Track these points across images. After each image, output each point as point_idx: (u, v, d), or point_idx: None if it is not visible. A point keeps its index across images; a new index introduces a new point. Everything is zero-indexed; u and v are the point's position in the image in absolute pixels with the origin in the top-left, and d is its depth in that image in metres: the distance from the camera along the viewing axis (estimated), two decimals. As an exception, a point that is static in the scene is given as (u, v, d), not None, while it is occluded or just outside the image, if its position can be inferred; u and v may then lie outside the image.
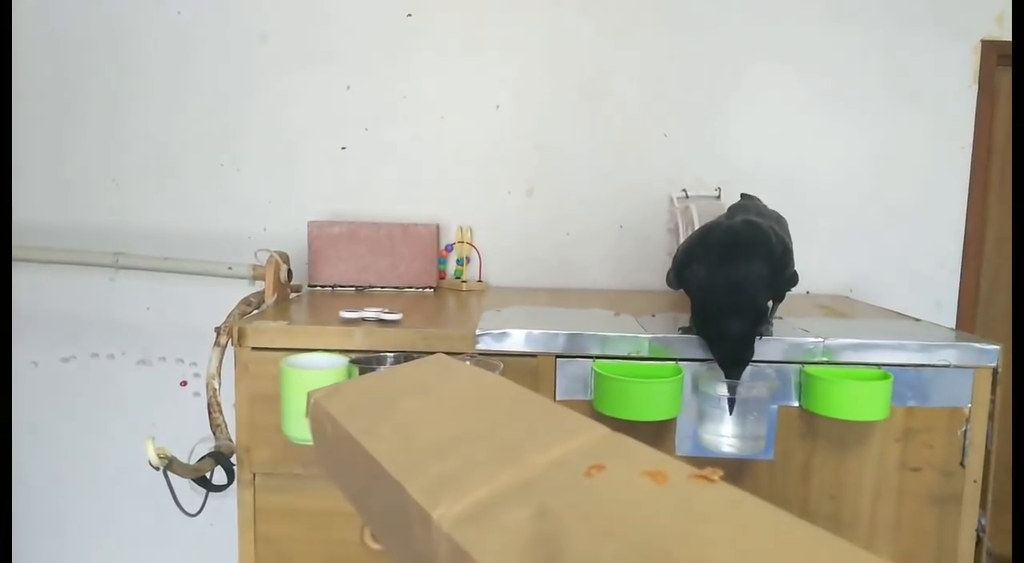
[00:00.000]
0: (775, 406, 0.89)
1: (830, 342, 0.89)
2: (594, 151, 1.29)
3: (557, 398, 0.88)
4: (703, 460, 0.36)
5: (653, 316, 1.03)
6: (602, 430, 0.44)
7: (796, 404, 0.89)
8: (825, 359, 0.89)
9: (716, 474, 0.38)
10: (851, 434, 0.90)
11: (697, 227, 1.13)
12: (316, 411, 0.50)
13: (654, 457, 0.41)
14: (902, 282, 1.29)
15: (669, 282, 0.93)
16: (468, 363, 0.62)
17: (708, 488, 0.38)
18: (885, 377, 0.86)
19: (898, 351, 0.89)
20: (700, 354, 0.89)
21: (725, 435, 0.90)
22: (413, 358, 0.85)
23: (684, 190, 1.20)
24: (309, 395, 0.50)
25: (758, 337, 0.87)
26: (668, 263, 1.26)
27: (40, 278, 1.31)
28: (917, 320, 1.05)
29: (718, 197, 1.18)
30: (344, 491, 0.49)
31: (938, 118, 1.27)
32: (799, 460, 0.91)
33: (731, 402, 0.86)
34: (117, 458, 1.28)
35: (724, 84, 1.27)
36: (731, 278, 0.82)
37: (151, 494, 0.84)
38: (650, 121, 1.28)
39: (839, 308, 1.15)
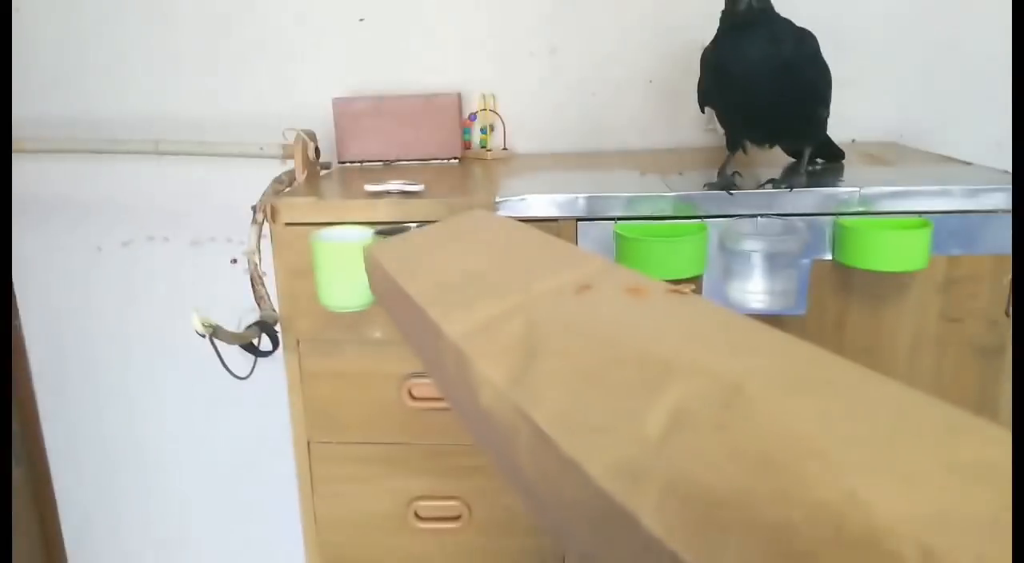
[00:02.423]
0: (807, 260, 0.87)
1: (867, 191, 0.84)
2: (618, 4, 1.20)
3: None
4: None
5: (680, 174, 0.99)
6: (601, 261, 0.50)
7: (830, 257, 0.86)
8: (862, 209, 0.84)
9: (688, 288, 0.43)
10: (888, 286, 0.87)
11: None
12: (369, 259, 0.60)
13: (639, 279, 0.46)
14: (959, 124, 1.19)
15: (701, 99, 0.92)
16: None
17: (679, 299, 0.42)
18: (925, 225, 0.82)
19: (941, 197, 0.83)
20: (727, 210, 0.86)
21: (753, 291, 0.89)
22: (435, 226, 0.87)
23: (720, 38, 1.12)
24: (365, 250, 0.61)
25: (789, 189, 0.84)
26: (700, 118, 1.22)
27: (93, 168, 1.36)
28: (968, 164, 0.98)
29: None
30: (395, 321, 0.58)
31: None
32: (832, 314, 0.89)
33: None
34: (178, 331, 1.38)
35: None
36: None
37: (213, 363, 0.90)
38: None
39: (885, 156, 1.08)
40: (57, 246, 1.41)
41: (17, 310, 1.45)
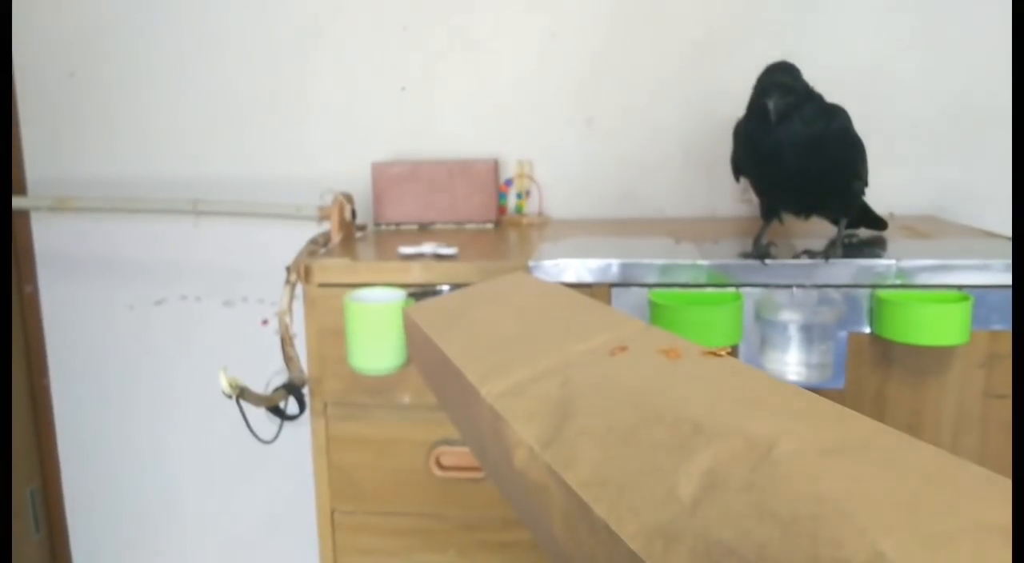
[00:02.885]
0: (844, 332, 0.86)
1: (904, 263, 0.83)
2: (656, 76, 1.23)
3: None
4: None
5: (715, 243, 0.99)
6: (638, 324, 0.50)
7: (867, 330, 0.85)
8: (899, 282, 0.84)
9: (724, 350, 0.42)
10: (928, 361, 0.85)
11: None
12: (407, 320, 0.61)
13: (674, 340, 0.46)
14: (998, 199, 1.19)
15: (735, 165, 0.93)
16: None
17: (714, 361, 0.42)
18: (964, 299, 0.80)
19: (981, 272, 0.82)
20: (763, 280, 0.86)
21: (790, 363, 0.88)
22: (468, 290, 0.87)
23: (755, 109, 1.14)
24: (404, 311, 0.63)
25: (825, 260, 0.83)
26: (735, 188, 1.23)
27: (130, 227, 1.39)
28: (1007, 238, 0.97)
29: (789, 117, 1.11)
30: (430, 386, 0.58)
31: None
32: (872, 388, 0.87)
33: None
34: (206, 392, 1.38)
35: (797, -6, 1.18)
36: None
37: (238, 426, 0.89)
38: (714, 40, 1.21)
39: (923, 229, 1.07)
40: (89, 303, 1.43)
41: (46, 368, 1.47)
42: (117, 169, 1.38)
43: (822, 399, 0.36)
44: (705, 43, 1.22)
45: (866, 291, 0.84)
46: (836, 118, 0.85)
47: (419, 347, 0.59)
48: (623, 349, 0.45)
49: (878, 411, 0.87)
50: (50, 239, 1.43)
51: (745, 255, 0.88)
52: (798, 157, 0.82)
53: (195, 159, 1.36)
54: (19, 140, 1.40)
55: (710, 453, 0.31)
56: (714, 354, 0.43)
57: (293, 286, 1.03)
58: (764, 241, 0.90)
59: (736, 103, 1.12)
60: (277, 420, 0.94)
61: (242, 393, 0.84)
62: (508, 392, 0.42)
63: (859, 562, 0.23)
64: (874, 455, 0.30)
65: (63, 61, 1.37)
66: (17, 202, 1.32)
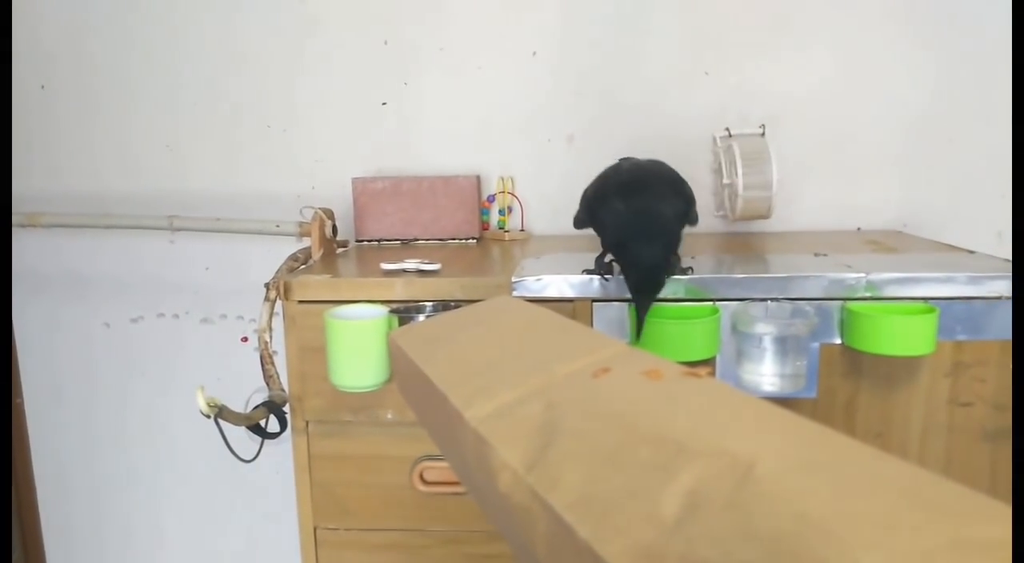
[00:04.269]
0: (816, 344, 0.88)
1: (873, 277, 0.87)
2: (634, 94, 1.26)
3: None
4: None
5: (693, 258, 1.02)
6: (621, 346, 0.51)
7: (839, 341, 0.88)
8: (868, 295, 0.87)
9: (704, 371, 0.44)
10: (897, 370, 0.88)
11: (739, 162, 1.11)
12: (392, 346, 0.61)
13: (656, 362, 0.47)
14: (961, 214, 1.23)
15: (577, 223, 0.96)
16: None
17: (694, 382, 0.43)
18: (930, 311, 0.84)
19: (946, 284, 0.86)
20: (738, 293, 0.89)
21: (765, 374, 0.90)
22: (451, 306, 0.89)
23: (727, 129, 1.17)
24: (388, 335, 0.63)
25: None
26: (711, 203, 1.26)
27: (106, 243, 1.38)
28: (971, 252, 1.01)
29: (762, 134, 1.15)
30: (415, 411, 0.58)
31: (991, 38, 1.20)
32: (843, 397, 0.90)
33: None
34: (185, 411, 1.37)
35: (768, 14, 1.22)
36: (647, 208, 0.86)
37: (218, 444, 0.89)
38: (691, 59, 1.24)
39: (889, 243, 1.11)
40: (63, 321, 1.42)
41: (20, 386, 1.45)
42: (92, 183, 1.37)
43: (799, 417, 0.37)
44: (682, 63, 1.25)
45: (837, 304, 0.87)
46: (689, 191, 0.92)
47: (403, 372, 0.59)
48: (606, 371, 0.46)
49: (849, 419, 0.90)
50: (22, 256, 1.41)
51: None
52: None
53: (172, 173, 1.36)
54: (-11, 155, 1.38)
55: (693, 473, 0.32)
56: (695, 375, 0.44)
57: (273, 303, 1.03)
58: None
59: (714, 123, 1.15)
60: (258, 439, 0.94)
61: (221, 412, 0.84)
62: (492, 415, 0.43)
63: None
64: (852, 472, 0.31)
65: (33, 72, 1.36)
66: (-14, 219, 1.31)
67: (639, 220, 0.85)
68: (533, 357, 0.51)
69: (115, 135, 1.36)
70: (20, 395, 1.45)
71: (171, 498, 1.46)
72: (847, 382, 0.89)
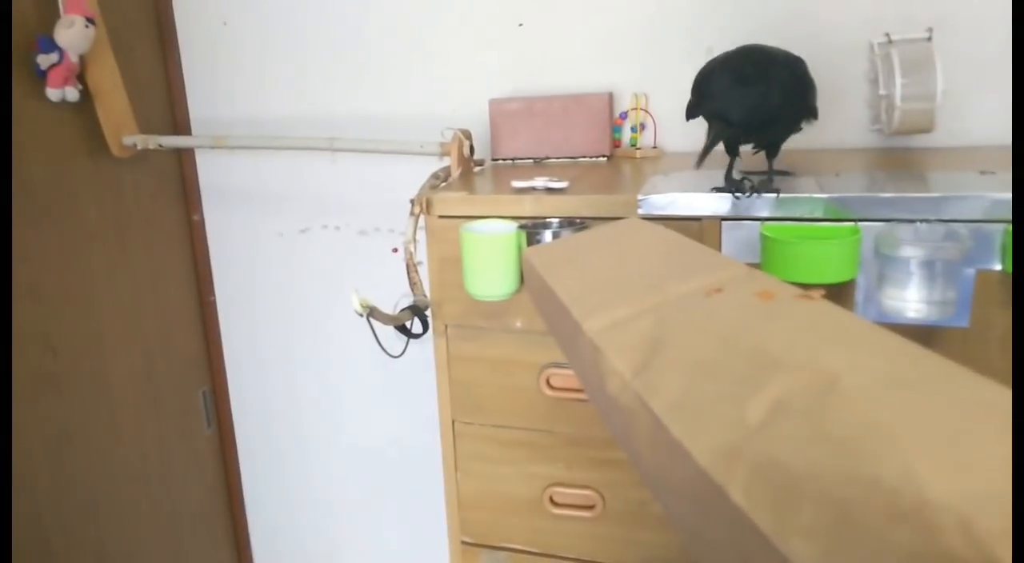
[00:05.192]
0: (972, 269, 0.80)
1: (1045, 197, 0.76)
2: (777, 2, 1.16)
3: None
4: (887, 326, 0.38)
5: (837, 175, 0.95)
6: (740, 268, 0.52)
7: (999, 268, 0.79)
8: (1036, 217, 0.77)
9: (818, 293, 0.44)
10: (1067, 301, 0.78)
11: (898, 70, 1.00)
12: (525, 263, 0.65)
13: (771, 283, 0.48)
14: None
15: (688, 111, 0.89)
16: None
17: (805, 303, 0.44)
18: (1110, 235, 0.73)
19: None
20: (884, 214, 0.82)
21: (910, 300, 0.84)
22: (576, 223, 0.90)
23: (886, 33, 1.05)
24: (523, 253, 0.67)
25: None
26: (866, 117, 1.15)
27: (278, 162, 1.51)
28: None
29: (928, 39, 1.02)
30: (543, 319, 0.63)
31: None
32: (999, 329, 0.82)
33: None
34: (344, 312, 1.50)
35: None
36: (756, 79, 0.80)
37: (372, 342, 0.98)
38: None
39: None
40: (245, 230, 1.58)
41: (212, 286, 1.65)
42: (267, 108, 1.49)
43: (903, 340, 0.37)
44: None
45: (1000, 227, 0.78)
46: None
47: (534, 286, 0.63)
48: (719, 291, 0.47)
49: (1004, 351, 0.82)
50: (213, 174, 1.58)
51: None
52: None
53: (333, 99, 1.45)
54: (181, 84, 1.54)
55: (781, 384, 0.34)
56: (807, 297, 0.44)
57: (417, 218, 1.09)
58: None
59: (871, 25, 1.04)
60: (404, 338, 1.02)
61: (372, 312, 0.91)
62: (607, 328, 0.46)
63: (891, 477, 0.25)
64: (934, 389, 0.31)
65: (216, 11, 1.47)
66: (181, 141, 1.47)
67: (744, 93, 0.79)
68: (651, 277, 0.53)
69: (284, 64, 1.46)
70: (213, 293, 1.65)
71: (332, 385, 1.63)
72: (1004, 312, 0.81)
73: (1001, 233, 0.78)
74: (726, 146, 0.88)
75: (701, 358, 0.39)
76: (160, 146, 1.37)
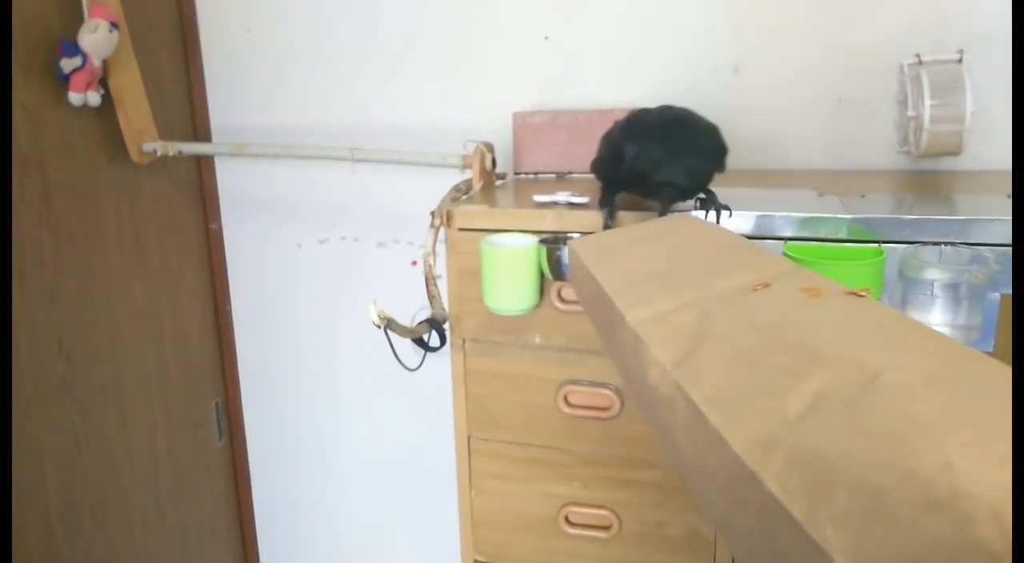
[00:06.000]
0: (996, 294, 0.82)
1: (1072, 222, 0.79)
2: (809, 17, 1.19)
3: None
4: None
5: (862, 196, 0.97)
6: (789, 265, 0.53)
7: None
8: (1064, 242, 0.79)
9: (867, 292, 0.45)
10: (1096, 328, 0.80)
11: (927, 92, 1.03)
12: (571, 254, 0.67)
13: (819, 281, 0.49)
14: None
15: (599, 169, 0.97)
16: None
17: (853, 301, 0.45)
18: None
19: None
20: (908, 236, 0.84)
21: (933, 324, 0.86)
22: (598, 238, 0.92)
23: (917, 54, 1.08)
24: (569, 244, 0.69)
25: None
26: (894, 138, 1.17)
27: (299, 172, 1.56)
28: None
29: (959, 61, 1.05)
30: (587, 310, 0.65)
31: None
32: (1025, 354, 0.83)
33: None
34: (363, 323, 1.53)
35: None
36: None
37: (389, 354, 1.01)
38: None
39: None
40: (264, 240, 1.63)
41: (228, 295, 1.69)
42: (289, 117, 1.54)
43: (950, 340, 0.38)
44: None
45: (1025, 251, 0.80)
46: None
47: (579, 277, 0.65)
48: (766, 286, 0.49)
49: (1031, 379, 0.84)
50: (232, 182, 1.63)
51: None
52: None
53: (354, 109, 1.49)
54: (203, 90, 1.59)
55: (822, 378, 0.35)
56: (856, 295, 0.45)
57: (437, 230, 1.12)
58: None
59: (902, 47, 1.06)
60: (421, 351, 1.05)
61: (389, 324, 0.94)
62: (650, 319, 0.48)
63: (926, 468, 0.27)
64: (974, 387, 0.33)
65: (241, 19, 1.53)
66: (201, 148, 1.52)
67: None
68: (698, 271, 0.55)
69: (307, 74, 1.51)
70: (229, 302, 1.69)
71: (347, 398, 1.66)
72: (1031, 337, 0.83)
73: (1028, 258, 0.80)
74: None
75: (743, 350, 0.40)
76: (180, 153, 1.42)
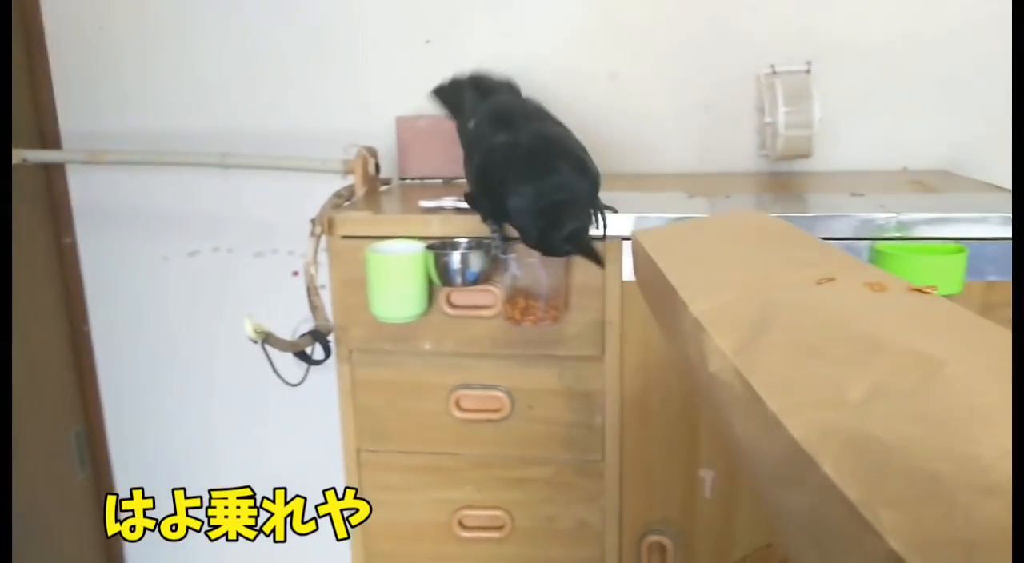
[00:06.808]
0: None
1: (904, 217, 0.91)
2: (678, 30, 1.30)
3: (623, 280, 0.97)
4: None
5: (727, 197, 1.08)
6: (853, 261, 0.56)
7: (868, 282, 0.93)
8: (899, 235, 0.92)
9: (932, 289, 0.47)
10: (927, 311, 0.93)
11: (781, 100, 1.15)
12: (635, 243, 0.69)
13: (885, 277, 0.51)
14: (1009, 152, 1.25)
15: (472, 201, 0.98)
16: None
17: (917, 296, 0.47)
18: (959, 251, 0.88)
19: (980, 224, 0.90)
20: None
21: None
22: (484, 243, 0.97)
23: (771, 66, 1.21)
24: (632, 234, 0.71)
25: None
26: (754, 143, 1.30)
27: (164, 180, 1.52)
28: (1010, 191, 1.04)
29: (807, 71, 1.18)
30: (647, 299, 0.67)
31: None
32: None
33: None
34: (240, 340, 1.51)
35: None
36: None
37: (270, 371, 1.01)
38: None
39: (933, 183, 1.14)
40: (126, 254, 1.57)
41: (86, 315, 1.62)
42: (151, 122, 1.50)
43: (1012, 335, 0.40)
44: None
45: (866, 243, 0.93)
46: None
47: (642, 267, 0.68)
48: (830, 280, 0.50)
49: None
50: (87, 191, 1.56)
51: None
52: None
53: (225, 112, 1.47)
54: (50, 92, 1.51)
55: (884, 368, 0.36)
56: (921, 291, 0.47)
57: (318, 238, 1.13)
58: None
59: (759, 59, 1.17)
60: (304, 365, 1.05)
61: (267, 338, 0.95)
62: (712, 309, 0.49)
63: (986, 456, 0.28)
64: None
65: (91, 13, 1.47)
66: (50, 155, 1.45)
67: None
68: (762, 264, 0.57)
69: (171, 74, 1.48)
70: (87, 323, 1.62)
71: (225, 419, 1.63)
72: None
73: (867, 249, 0.92)
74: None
75: (804, 340, 0.42)
76: (25, 161, 1.35)
